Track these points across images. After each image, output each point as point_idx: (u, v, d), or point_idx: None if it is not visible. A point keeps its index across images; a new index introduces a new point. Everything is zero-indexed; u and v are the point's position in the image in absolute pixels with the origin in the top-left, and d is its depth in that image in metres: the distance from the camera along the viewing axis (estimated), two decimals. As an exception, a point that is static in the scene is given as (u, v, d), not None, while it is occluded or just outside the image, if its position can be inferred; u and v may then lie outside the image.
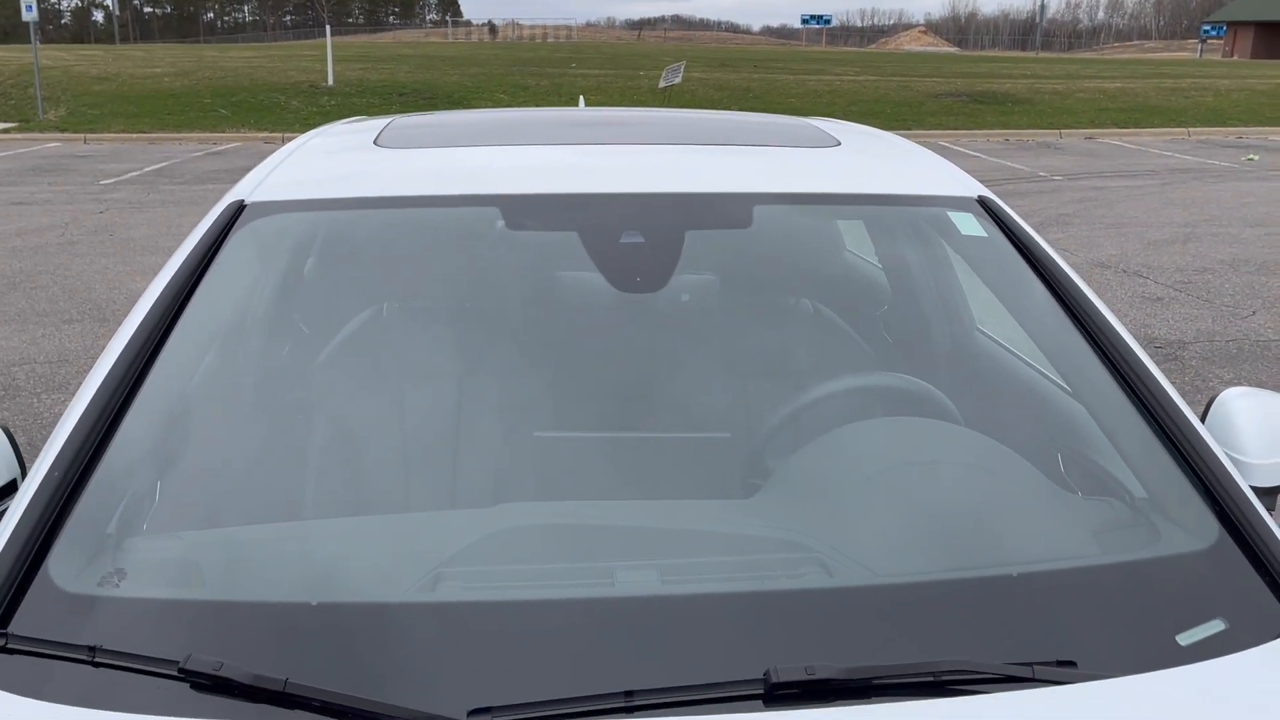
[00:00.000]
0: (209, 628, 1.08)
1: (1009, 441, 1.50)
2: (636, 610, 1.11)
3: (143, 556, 1.22)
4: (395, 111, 19.28)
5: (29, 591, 1.12)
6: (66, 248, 8.26)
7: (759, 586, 1.16)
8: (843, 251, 2.29)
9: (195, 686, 1.01)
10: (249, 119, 18.40)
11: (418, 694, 0.99)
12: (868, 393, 1.57)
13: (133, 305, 1.48)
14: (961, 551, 1.24)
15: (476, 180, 1.67)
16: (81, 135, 16.75)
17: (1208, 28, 60.42)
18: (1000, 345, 1.99)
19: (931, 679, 1.01)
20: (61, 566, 1.15)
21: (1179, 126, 18.44)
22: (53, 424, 4.64)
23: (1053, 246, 1.63)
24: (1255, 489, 1.43)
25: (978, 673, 1.02)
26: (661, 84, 18.95)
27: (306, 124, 18.04)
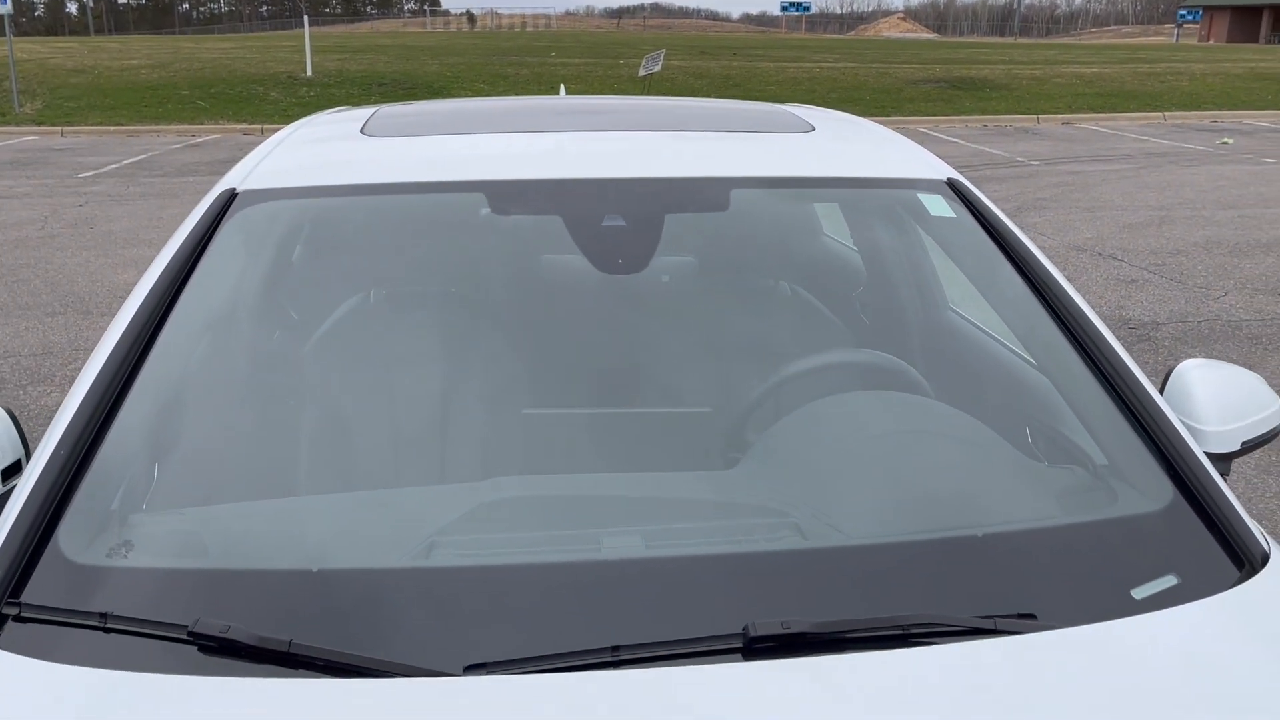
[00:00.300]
0: (214, 595, 1.13)
1: (978, 414, 1.57)
2: (622, 572, 1.17)
3: (148, 530, 1.27)
4: (376, 102, 19.19)
5: (40, 563, 1.17)
6: (47, 241, 8.24)
7: (738, 549, 1.23)
8: (818, 234, 2.35)
9: (203, 649, 1.06)
10: (227, 111, 18.29)
11: (416, 652, 1.05)
12: (842, 369, 1.64)
13: (116, 297, 1.53)
14: (929, 514, 1.31)
15: (463, 167, 1.72)
16: (59, 128, 16.62)
17: (1184, 12, 60.79)
18: (971, 323, 2.06)
19: (900, 632, 1.07)
20: (70, 540, 1.20)
21: (1155, 111, 18.60)
22: (39, 415, 4.66)
23: (1029, 231, 1.70)
24: (1211, 455, 1.50)
25: (943, 625, 1.09)
26: (641, 72, 18.95)
27: (286, 115, 17.95)
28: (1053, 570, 1.21)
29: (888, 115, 17.30)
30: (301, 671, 1.03)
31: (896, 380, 1.65)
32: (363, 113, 2.20)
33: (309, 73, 21.17)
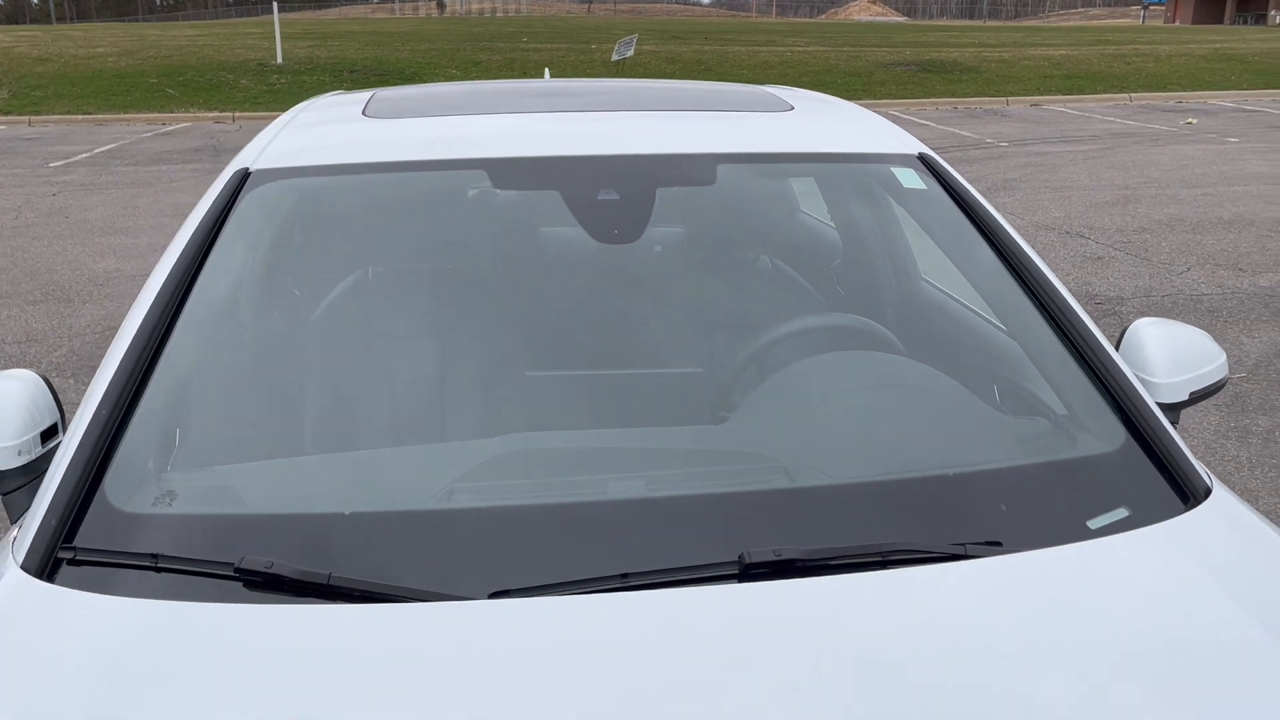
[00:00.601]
0: (255, 537, 1.23)
1: (948, 371, 1.70)
2: (627, 511, 1.29)
3: (187, 483, 1.37)
4: (348, 88, 19.05)
5: (89, 512, 1.26)
6: (22, 230, 8.21)
7: (731, 489, 1.34)
8: (797, 208, 2.46)
9: (248, 584, 1.16)
10: (198, 99, 18.15)
11: (445, 581, 1.16)
12: (822, 332, 1.75)
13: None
14: (904, 457, 1.43)
15: (464, 146, 1.82)
16: (26, 118, 16.45)
17: (1150, -6, 61.39)
18: (942, 291, 2.18)
19: (880, 558, 1.19)
20: (116, 491, 1.30)
21: (1121, 92, 18.87)
22: (28, 402, 4.70)
23: (998, 209, 1.81)
24: (1162, 405, 1.63)
25: (918, 552, 1.21)
26: (614, 57, 18.98)
27: (258, 103, 17.84)
28: (1016, 504, 1.34)
29: (859, 98, 17.44)
30: (340, 603, 1.14)
31: (872, 341, 1.77)
32: (360, 96, 2.29)
33: (279, 60, 21.02)
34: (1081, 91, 19.04)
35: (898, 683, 1.03)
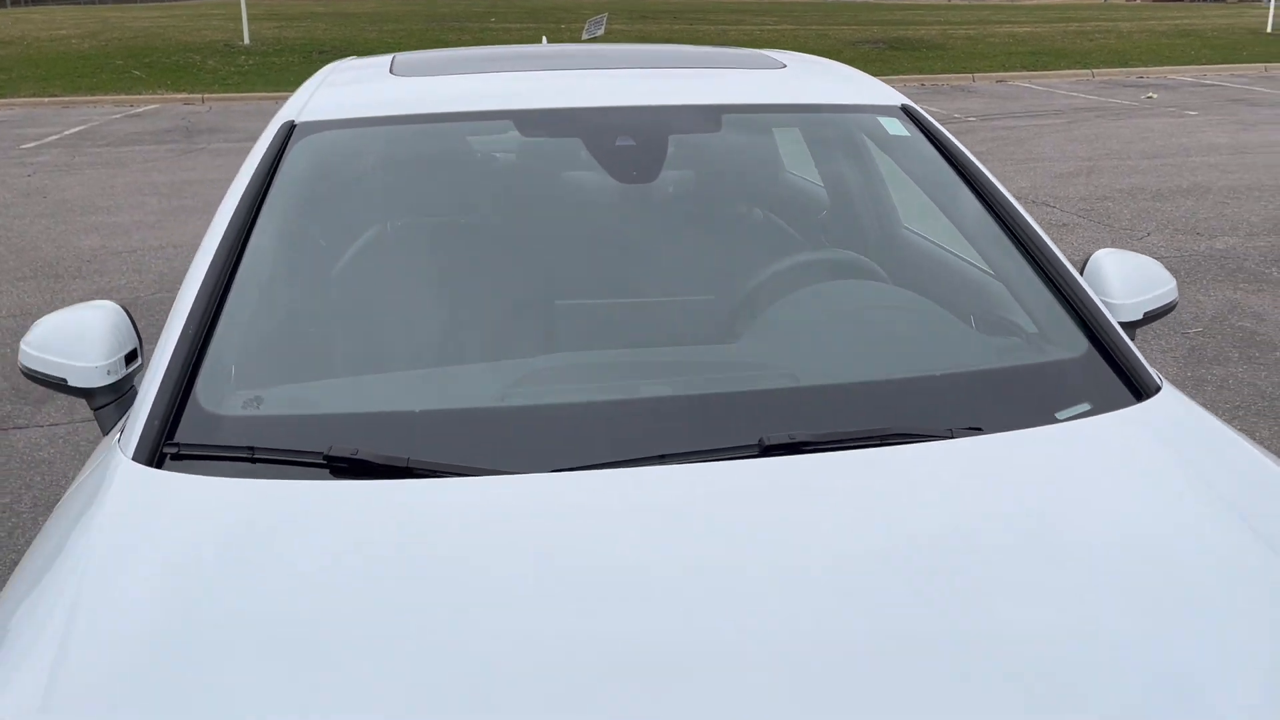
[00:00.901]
0: (336, 433, 1.40)
1: (931, 298, 1.90)
2: (660, 407, 1.47)
3: (269, 390, 1.54)
4: (317, 69, 18.97)
5: (185, 414, 1.43)
6: (2, 210, 8.23)
7: (749, 388, 1.53)
8: (795, 156, 2.65)
9: (335, 471, 1.33)
10: (165, 80, 18.00)
11: (510, 462, 1.34)
12: (818, 264, 1.94)
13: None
14: (899, 363, 1.63)
15: (492, 99, 1.99)
16: (-9, 100, 16.26)
17: (1111, -28, 61.98)
18: (922, 236, 2.38)
19: (878, 439, 1.39)
20: (207, 398, 1.46)
21: (1084, 68, 19.19)
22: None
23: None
24: (1121, 323, 1.84)
25: (911, 434, 1.40)
26: (584, 36, 19.06)
27: (226, 84, 17.74)
28: (994, 400, 1.54)
29: (828, 76, 17.59)
30: (420, 480, 1.31)
31: (862, 273, 1.97)
32: (381, 60, 2.44)
33: (246, 40, 20.88)
34: (1046, 68, 19.34)
35: (888, 532, 1.23)
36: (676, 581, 1.13)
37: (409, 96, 2.02)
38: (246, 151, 7.90)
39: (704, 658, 1.03)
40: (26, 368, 1.68)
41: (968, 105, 14.66)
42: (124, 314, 1.72)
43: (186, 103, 16.54)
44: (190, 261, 1.72)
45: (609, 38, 20.36)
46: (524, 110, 1.96)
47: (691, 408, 1.46)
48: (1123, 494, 1.34)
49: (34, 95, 16.62)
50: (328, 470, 1.33)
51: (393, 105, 1.99)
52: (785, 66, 2.29)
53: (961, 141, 2.12)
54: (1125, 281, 1.89)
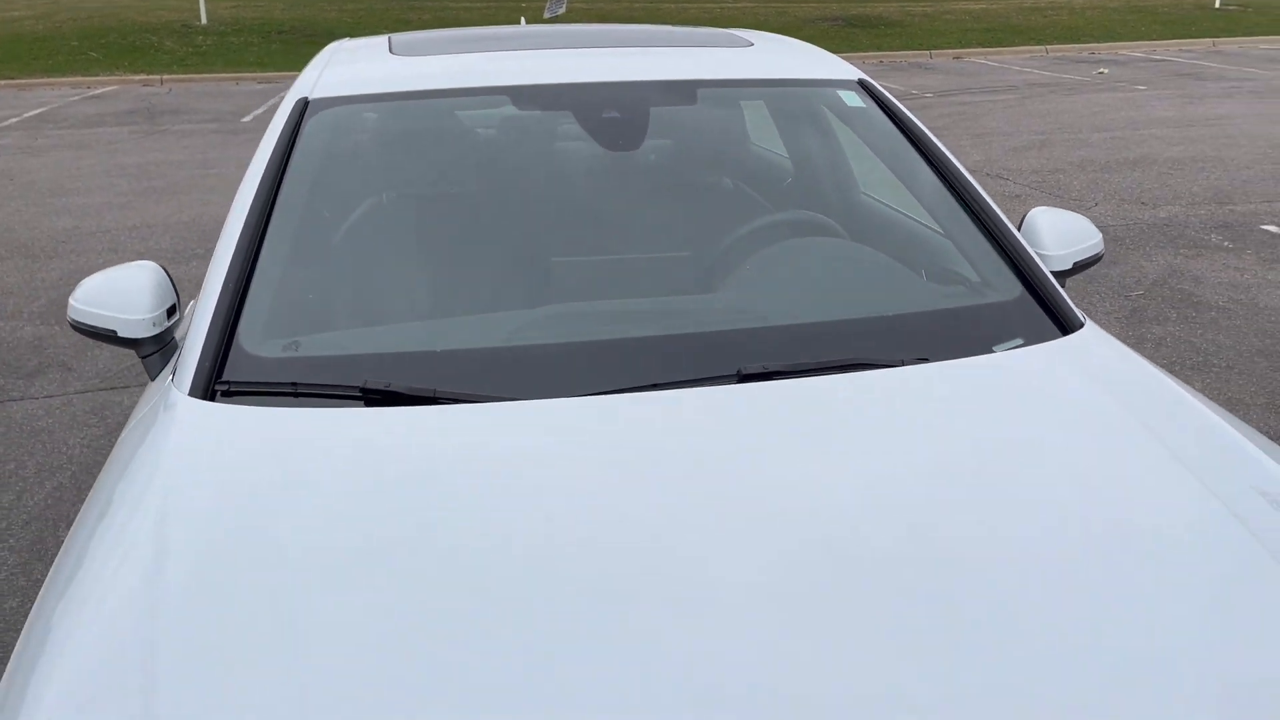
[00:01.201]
0: (368, 370, 1.60)
1: (888, 253, 2.12)
2: (649, 344, 1.69)
3: (303, 335, 1.73)
4: (277, 49, 18.81)
5: (230, 356, 1.62)
6: (-30, 193, 8.23)
7: (726, 328, 1.75)
8: (761, 127, 2.87)
9: (369, 401, 1.53)
10: (122, 62, 17.81)
11: (524, 390, 1.54)
12: (785, 224, 2.16)
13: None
14: (857, 306, 1.85)
15: (490, 76, 2.18)
16: (-56, 83, 16.02)
17: (1065, -51, 62.65)
18: (879, 201, 2.60)
19: (841, 368, 1.61)
20: (249, 341, 1.65)
21: (1038, 44, 19.57)
22: (14, 346, 4.90)
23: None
24: (1055, 273, 2.08)
25: (869, 362, 1.63)
26: (546, 14, 19.09)
27: (186, 65, 17.60)
28: (938, 335, 1.77)
29: (789, 53, 17.80)
30: (446, 406, 1.52)
31: (826, 231, 2.19)
32: (378, 41, 2.61)
33: (203, 20, 20.66)
34: (1001, 44, 19.70)
35: (848, 443, 1.46)
36: (672, 483, 1.35)
37: (413, 74, 2.20)
38: (212, 133, 8.22)
39: (692, 538, 1.25)
40: (77, 321, 1.85)
41: (925, 81, 14.94)
42: (164, 272, 1.90)
43: (145, 84, 16.41)
44: (221, 226, 1.90)
45: (569, 17, 20.35)
46: (520, 86, 2.16)
47: (677, 345, 1.68)
48: (1046, 409, 1.58)
49: (-12, 77, 16.40)
50: (362, 401, 1.53)
51: (399, 82, 2.17)
52: (752, 45, 2.50)
53: (919, 117, 2.34)
54: (1057, 235, 2.13)
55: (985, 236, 2.02)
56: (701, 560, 1.21)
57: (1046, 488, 1.38)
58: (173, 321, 1.89)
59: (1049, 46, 19.34)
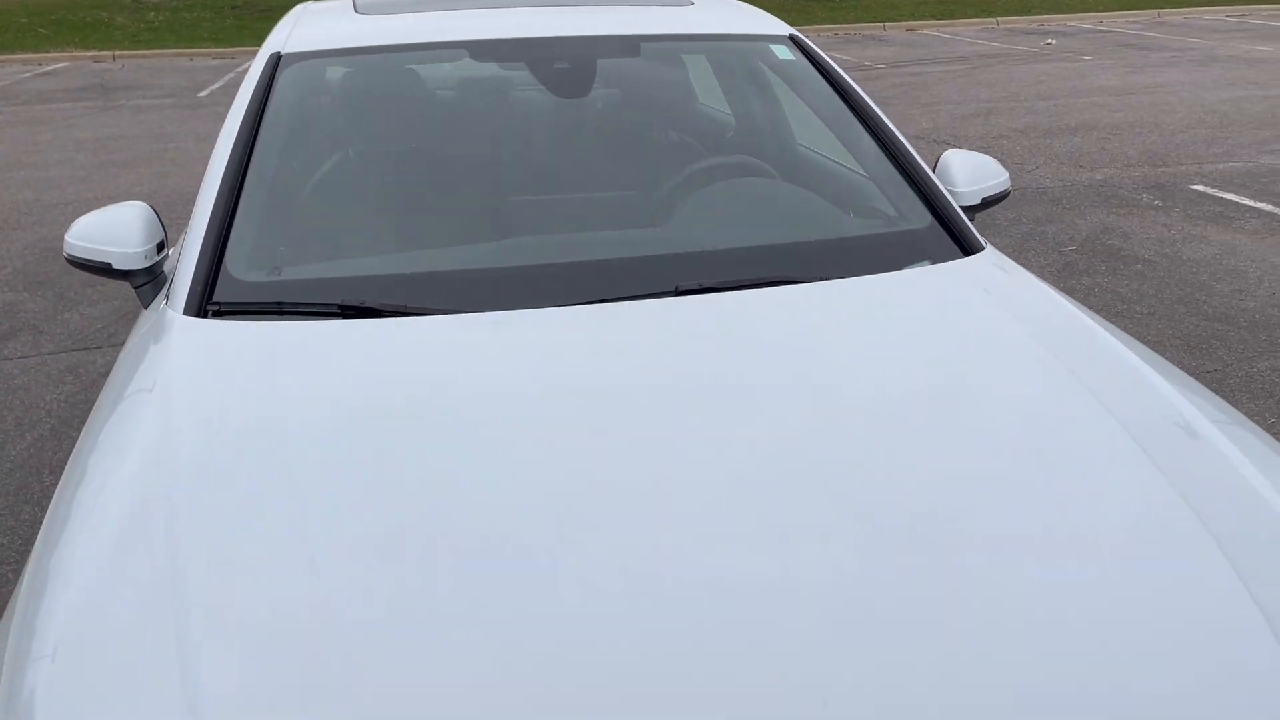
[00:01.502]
0: (346, 290, 1.79)
1: (817, 192, 2.34)
2: (599, 266, 1.89)
3: (284, 263, 1.91)
4: (230, 25, 18.62)
5: (220, 279, 1.80)
6: (-74, 168, 8.21)
7: (666, 251, 1.96)
8: (708, 89, 3.08)
9: (346, 315, 1.72)
10: (73, 38, 17.57)
11: (487, 304, 1.74)
12: (725, 166, 2.37)
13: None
14: (786, 234, 2.07)
15: (451, 32, 2.37)
16: (-111, 60, 15.73)
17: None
18: (811, 150, 2.82)
19: (772, 283, 1.83)
20: (236, 267, 1.83)
21: (989, 16, 19.89)
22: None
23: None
24: (965, 208, 2.31)
25: (791, 279, 1.85)
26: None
27: (138, 41, 17.40)
28: (857, 257, 1.99)
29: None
30: (423, 317, 1.71)
31: (761, 173, 2.40)
32: (343, 2, 2.78)
33: (155, -4, 20.40)
34: (953, 16, 19.99)
35: (777, 342, 1.68)
36: (619, 373, 1.56)
37: (378, 30, 2.38)
38: (168, 108, 8.35)
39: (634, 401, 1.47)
40: (72, 256, 2.02)
41: (879, 54, 15.20)
42: (152, 211, 2.08)
43: (97, 60, 16.23)
44: (183, 196, 2.07)
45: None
46: (478, 41, 2.35)
47: (624, 266, 1.89)
48: (946, 316, 1.81)
49: (-65, 55, 16.13)
50: (340, 315, 1.72)
51: (366, 38, 2.35)
52: (693, 3, 2.70)
53: (870, 87, 2.56)
54: (967, 174, 2.36)
55: (901, 175, 2.25)
56: (645, 428, 1.43)
57: (944, 382, 1.61)
58: (162, 256, 2.06)
59: (1000, 19, 19.66)
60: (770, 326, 1.72)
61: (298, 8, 2.80)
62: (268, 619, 1.13)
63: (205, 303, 1.77)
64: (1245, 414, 3.59)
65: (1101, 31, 17.55)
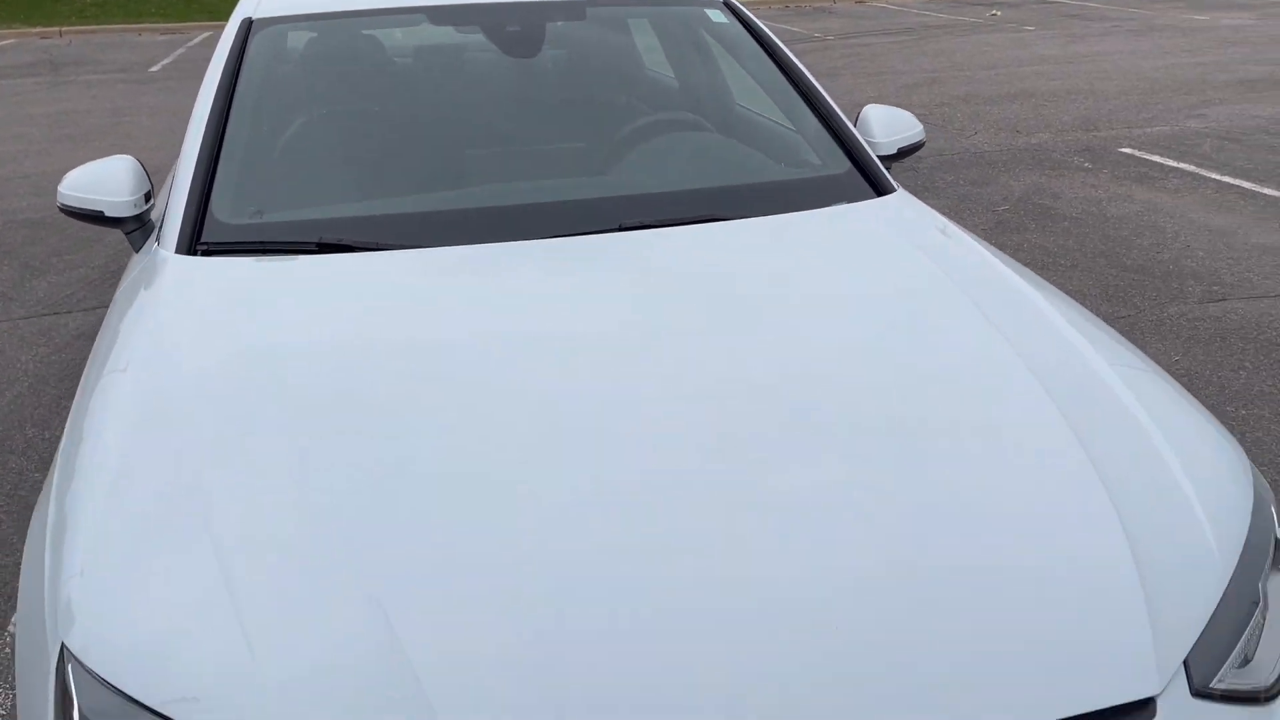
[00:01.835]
0: (323, 230, 1.99)
1: (747, 144, 2.58)
2: (550, 208, 2.12)
3: (265, 206, 2.10)
4: (178, 0, 18.38)
5: (207, 222, 2.00)
6: (-122, 144, 8.18)
7: (610, 194, 2.19)
8: (646, 42, 3.30)
9: (324, 251, 1.93)
10: (17, 14, 17.28)
11: (453, 239, 1.96)
12: (667, 121, 2.60)
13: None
14: (719, 176, 2.31)
15: None
16: None
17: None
18: (748, 109, 3.05)
19: (707, 219, 2.07)
20: (221, 211, 2.03)
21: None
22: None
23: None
24: (882, 157, 2.55)
25: (724, 217, 2.09)
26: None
27: (85, 17, 17.17)
28: (783, 197, 2.23)
29: None
30: (397, 250, 1.93)
31: (700, 128, 2.64)
32: None
33: (100, -29, 20.05)
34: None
35: (713, 267, 1.92)
36: (575, 297, 1.81)
37: None
38: (119, 83, 8.52)
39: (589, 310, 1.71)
40: (66, 206, 2.20)
41: (828, 25, 15.44)
42: (139, 164, 2.26)
43: (44, 36, 16.01)
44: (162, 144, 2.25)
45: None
46: (437, 6, 2.55)
47: (573, 207, 2.12)
48: (859, 241, 2.07)
49: (-126, 31, 15.81)
50: (318, 251, 1.93)
51: (333, 3, 2.54)
52: None
53: (820, 58, 2.80)
54: (885, 127, 2.61)
55: (824, 128, 2.49)
56: (600, 339, 1.67)
57: (851, 291, 1.87)
58: (150, 205, 2.25)
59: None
60: (704, 252, 1.96)
61: None
62: (276, 515, 1.31)
63: (195, 242, 1.96)
64: (1153, 354, 3.90)
65: (1045, 2, 17.92)
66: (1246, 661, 1.32)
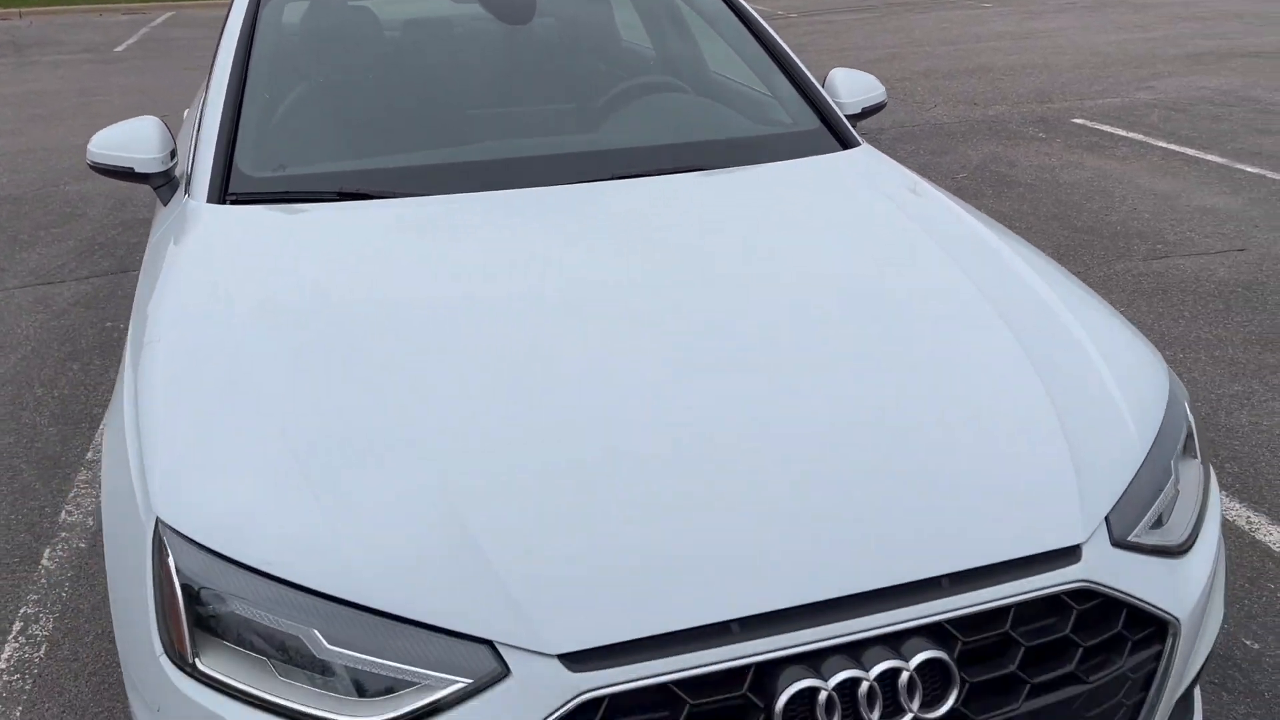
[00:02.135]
0: (344, 181, 2.18)
1: (728, 106, 2.80)
2: (550, 160, 2.32)
3: (290, 161, 2.29)
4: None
5: (233, 174, 2.18)
6: None
7: (601, 148, 2.40)
8: (630, 27, 3.50)
9: (344, 197, 2.12)
10: (-27, -6, 17.05)
11: (463, 186, 2.16)
12: (650, 84, 2.80)
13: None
14: (694, 133, 2.52)
15: None
16: None
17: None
18: (726, 77, 3.27)
19: (691, 169, 2.28)
20: (245, 165, 2.21)
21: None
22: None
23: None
24: (848, 116, 2.78)
25: (704, 167, 2.30)
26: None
27: (43, -3, 16.99)
28: (757, 150, 2.45)
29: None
30: (410, 197, 2.12)
31: (680, 90, 2.85)
32: None
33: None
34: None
35: (697, 211, 2.13)
36: (574, 234, 2.01)
37: None
38: (86, 63, 8.68)
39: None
40: (96, 163, 2.37)
41: (791, 3, 15.66)
42: (164, 125, 2.43)
43: (4, 18, 15.84)
44: (207, 86, 2.43)
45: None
46: None
47: (566, 159, 2.32)
48: (827, 186, 2.30)
49: None
50: (338, 199, 2.12)
51: None
52: None
53: (782, 35, 2.98)
54: (850, 88, 2.83)
55: (795, 89, 2.71)
56: (600, 268, 1.88)
57: (822, 225, 2.10)
58: (174, 162, 2.42)
59: (908, -31, 20.22)
60: (687, 198, 2.17)
61: None
62: (332, 402, 1.52)
63: (224, 193, 2.15)
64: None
65: (1003, -20, 18.22)
66: (1161, 524, 1.57)
